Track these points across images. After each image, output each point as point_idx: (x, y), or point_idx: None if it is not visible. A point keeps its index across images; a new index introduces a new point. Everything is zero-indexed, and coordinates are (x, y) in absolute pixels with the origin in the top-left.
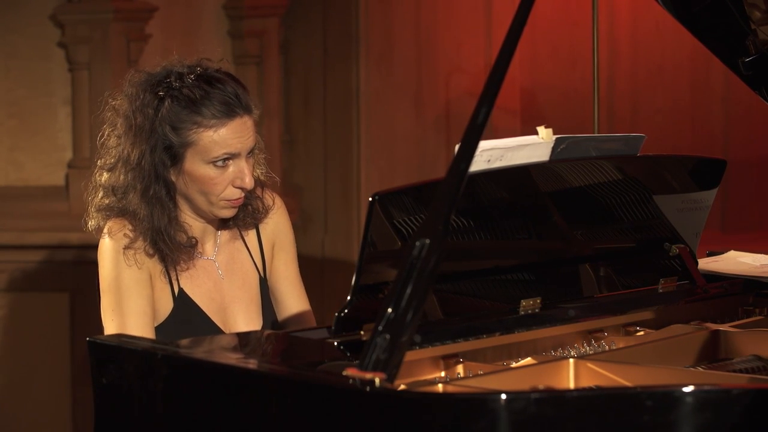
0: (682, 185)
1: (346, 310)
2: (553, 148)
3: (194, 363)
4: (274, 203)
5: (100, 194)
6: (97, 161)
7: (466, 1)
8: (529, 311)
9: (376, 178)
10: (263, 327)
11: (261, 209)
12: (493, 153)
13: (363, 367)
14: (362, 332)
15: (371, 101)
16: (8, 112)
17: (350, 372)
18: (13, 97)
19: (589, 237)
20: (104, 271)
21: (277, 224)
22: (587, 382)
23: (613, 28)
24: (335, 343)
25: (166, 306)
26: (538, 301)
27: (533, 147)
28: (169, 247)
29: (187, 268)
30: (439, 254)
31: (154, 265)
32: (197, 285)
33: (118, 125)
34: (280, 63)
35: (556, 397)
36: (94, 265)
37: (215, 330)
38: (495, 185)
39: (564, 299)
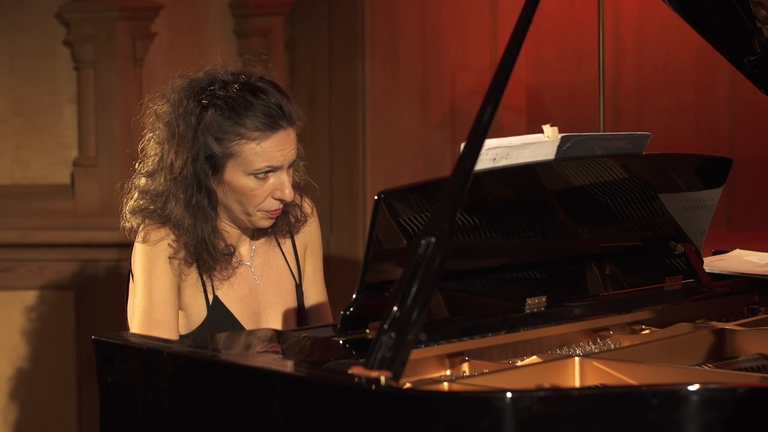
0: (688, 184)
1: (351, 309)
2: (559, 147)
3: (199, 361)
4: (312, 212)
5: (135, 195)
6: (136, 164)
7: None
8: (535, 310)
9: (381, 176)
10: None
11: (299, 217)
12: (499, 151)
13: (368, 366)
14: (368, 330)
15: (377, 100)
16: (14, 111)
17: (356, 370)
18: (18, 96)
19: (594, 235)
20: (139, 265)
21: (311, 230)
22: (593, 381)
23: (618, 27)
24: (341, 342)
25: (199, 313)
26: (544, 299)
27: (539, 145)
28: (212, 256)
29: (223, 273)
30: (445, 253)
31: (191, 273)
32: (233, 291)
33: (159, 131)
34: (285, 61)
35: (562, 396)
36: (99, 263)
37: None
38: (500, 184)
39: (569, 298)
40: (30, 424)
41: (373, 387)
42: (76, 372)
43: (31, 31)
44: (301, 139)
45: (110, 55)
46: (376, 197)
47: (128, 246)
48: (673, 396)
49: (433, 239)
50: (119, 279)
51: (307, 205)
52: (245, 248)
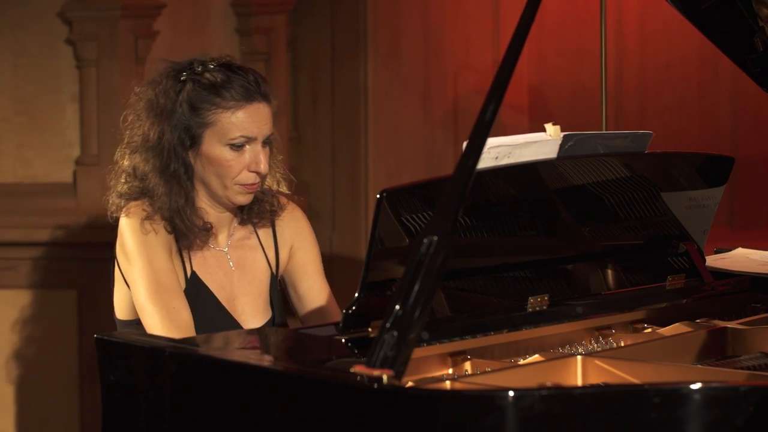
0: (690, 182)
1: (354, 307)
2: (561, 145)
3: (202, 360)
4: (288, 204)
5: (122, 179)
6: (120, 147)
7: None
8: (537, 308)
9: (383, 175)
10: (271, 319)
11: (275, 206)
12: (501, 150)
13: (371, 364)
14: (370, 329)
15: (379, 98)
16: (16, 109)
17: (358, 369)
18: (20, 94)
19: (596, 234)
20: (129, 243)
21: (296, 228)
22: (595, 379)
23: (621, 25)
24: (343, 340)
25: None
26: (546, 298)
27: (541, 144)
28: (186, 226)
29: (200, 254)
30: (447, 251)
31: (171, 243)
32: (209, 272)
33: (140, 109)
34: (287, 60)
35: (564, 394)
36: (101, 262)
37: (225, 314)
38: (503, 182)
39: (572, 296)
40: (32, 422)
41: (376, 386)
42: (78, 370)
43: (34, 30)
44: (303, 137)
45: (112, 54)
46: (378, 196)
47: None
48: (676, 395)
49: (435, 238)
50: None
51: (284, 200)
52: (223, 235)
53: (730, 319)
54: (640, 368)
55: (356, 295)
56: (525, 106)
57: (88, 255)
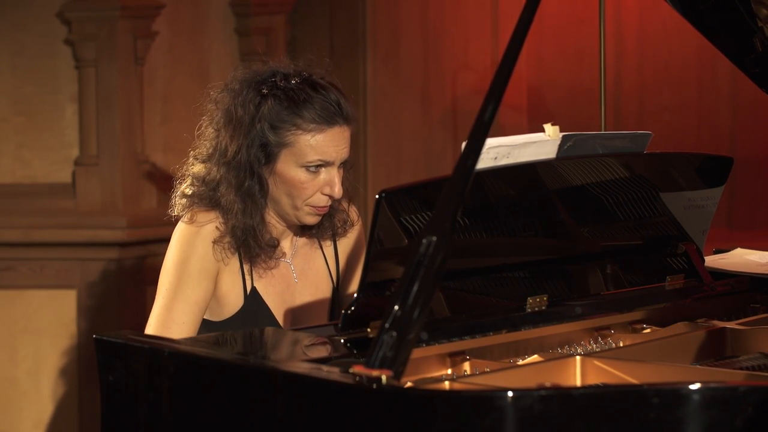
0: (689, 183)
1: (353, 308)
2: (560, 146)
3: (201, 360)
4: (358, 220)
5: (188, 182)
6: (190, 151)
7: None
8: (536, 308)
9: (382, 175)
10: None
11: (346, 223)
12: (500, 150)
13: (370, 365)
14: (369, 329)
15: (378, 99)
16: (15, 110)
17: (357, 369)
18: (20, 95)
19: (595, 234)
20: (173, 252)
21: (356, 241)
22: (594, 380)
23: (620, 25)
24: (342, 341)
25: (235, 302)
26: (545, 298)
27: (540, 144)
28: (258, 244)
29: (264, 267)
30: (446, 251)
31: (233, 261)
32: (271, 285)
33: (217, 118)
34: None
35: (563, 395)
36: (100, 262)
37: None
38: (502, 183)
39: (571, 296)
40: (32, 422)
41: (375, 386)
42: (77, 371)
43: (33, 30)
44: None
45: (111, 54)
46: (377, 196)
47: (128, 245)
48: (674, 395)
49: (434, 238)
50: (121, 278)
51: (354, 213)
52: (287, 245)
53: (729, 320)
54: (639, 368)
55: (355, 295)
56: (524, 106)
57: (88, 255)
